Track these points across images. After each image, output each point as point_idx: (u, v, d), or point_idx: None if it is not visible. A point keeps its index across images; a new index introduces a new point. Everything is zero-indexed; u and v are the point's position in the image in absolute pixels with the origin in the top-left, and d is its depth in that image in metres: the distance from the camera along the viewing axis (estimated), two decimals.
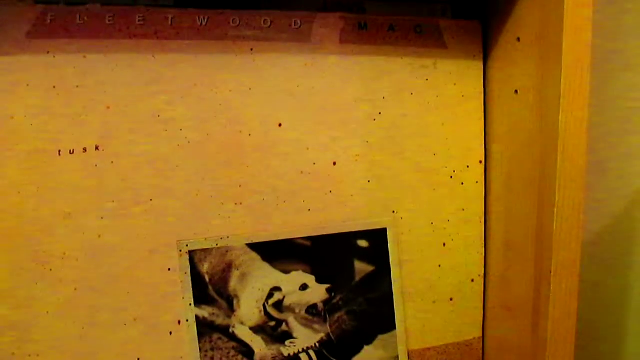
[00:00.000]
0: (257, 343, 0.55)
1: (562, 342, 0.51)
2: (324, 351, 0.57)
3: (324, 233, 0.56)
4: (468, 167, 0.60)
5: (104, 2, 0.50)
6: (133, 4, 0.52)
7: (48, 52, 0.49)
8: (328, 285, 0.57)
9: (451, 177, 0.60)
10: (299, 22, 0.55)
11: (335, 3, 0.58)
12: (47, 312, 0.51)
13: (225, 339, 0.55)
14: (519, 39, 0.54)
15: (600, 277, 0.70)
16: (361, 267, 0.58)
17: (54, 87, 0.50)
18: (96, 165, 0.51)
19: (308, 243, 0.56)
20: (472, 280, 0.61)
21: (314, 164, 0.56)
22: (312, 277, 0.57)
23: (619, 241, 0.70)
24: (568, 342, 0.51)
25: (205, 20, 0.53)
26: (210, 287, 0.54)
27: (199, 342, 0.54)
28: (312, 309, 0.57)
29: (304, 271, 0.56)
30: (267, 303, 0.56)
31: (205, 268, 0.54)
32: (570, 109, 0.49)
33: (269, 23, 0.54)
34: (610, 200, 0.70)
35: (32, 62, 0.49)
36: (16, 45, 0.49)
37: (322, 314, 0.57)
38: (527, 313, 0.55)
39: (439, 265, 0.60)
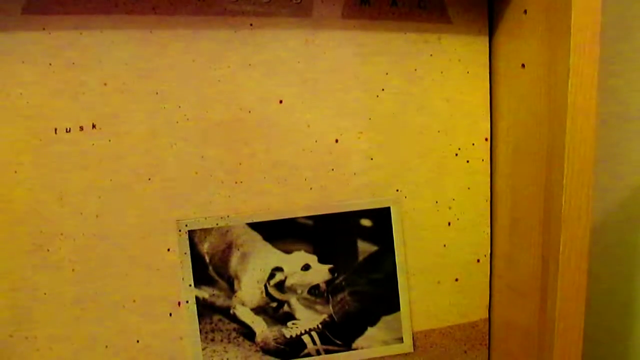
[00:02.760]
0: (258, 324, 0.55)
1: (571, 323, 0.50)
2: (327, 333, 0.56)
3: (326, 212, 0.55)
4: (473, 144, 0.59)
5: None
6: None
7: (44, 29, 0.49)
8: (330, 266, 0.56)
9: (456, 154, 0.59)
10: None
11: None
12: (45, 294, 0.50)
13: (226, 320, 0.54)
14: (525, 12, 0.53)
15: (607, 259, 0.69)
16: (364, 247, 0.57)
17: (50, 64, 0.49)
18: (93, 144, 0.50)
19: (310, 222, 0.55)
20: (478, 260, 0.60)
21: (316, 141, 0.55)
22: (315, 257, 0.56)
23: (625, 227, 0.69)
24: (576, 323, 0.50)
25: None
26: (210, 267, 0.53)
27: (199, 323, 0.53)
28: (314, 290, 0.56)
29: (306, 251, 0.55)
30: (269, 284, 0.55)
31: (205, 248, 0.53)
32: (579, 82, 0.48)
33: None
34: (615, 180, 0.69)
35: (28, 38, 0.48)
36: (11, 22, 0.48)
37: (325, 294, 0.56)
38: (534, 293, 0.53)
39: (444, 245, 0.59)
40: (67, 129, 0.50)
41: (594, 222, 0.58)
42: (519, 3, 0.54)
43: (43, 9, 0.48)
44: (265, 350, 0.55)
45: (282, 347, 0.55)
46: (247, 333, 0.55)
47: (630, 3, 0.64)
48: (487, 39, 0.58)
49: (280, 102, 0.54)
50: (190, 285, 0.53)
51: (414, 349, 0.59)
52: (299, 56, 0.54)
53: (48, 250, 0.50)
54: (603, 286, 0.68)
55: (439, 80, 0.57)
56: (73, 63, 0.49)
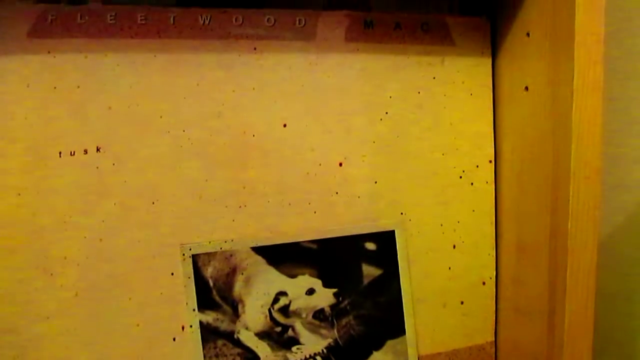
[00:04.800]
0: (262, 349, 0.54)
1: (579, 346, 0.50)
2: (332, 357, 0.56)
3: (331, 236, 0.55)
4: (478, 166, 0.59)
5: (105, 1, 0.50)
6: (135, 3, 0.52)
7: (49, 52, 0.49)
8: (335, 290, 0.55)
9: (460, 177, 0.59)
10: (303, 20, 0.54)
11: (339, 1, 0.57)
12: (48, 318, 0.50)
13: (230, 345, 0.53)
14: (528, 34, 0.53)
15: (614, 279, 0.68)
16: (369, 271, 0.56)
17: (55, 87, 0.49)
18: (97, 167, 0.50)
19: (314, 246, 0.55)
20: (484, 283, 0.60)
21: (320, 164, 0.55)
22: (319, 281, 0.55)
23: (632, 243, 0.68)
24: (585, 346, 0.50)
25: (208, 19, 0.52)
26: (214, 291, 0.53)
27: (203, 348, 0.53)
28: (319, 314, 0.55)
29: (311, 275, 0.55)
30: (273, 308, 0.54)
31: (209, 272, 0.53)
32: (583, 104, 0.48)
33: (273, 21, 0.53)
34: (621, 201, 0.69)
35: (33, 62, 0.48)
36: (17, 45, 0.48)
37: (330, 319, 0.55)
38: (541, 316, 0.53)
39: (449, 268, 0.59)
40: (71, 152, 0.50)
41: (600, 242, 0.58)
42: (521, 25, 0.54)
43: (48, 33, 0.49)
44: None
45: None
46: (252, 358, 0.54)
47: (633, 25, 0.64)
48: (490, 61, 0.58)
49: (285, 125, 0.54)
50: (194, 310, 0.52)
51: None
52: (302, 79, 0.54)
53: (51, 274, 0.50)
54: (611, 307, 0.68)
55: (443, 103, 0.58)
56: (78, 86, 0.49)
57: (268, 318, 0.54)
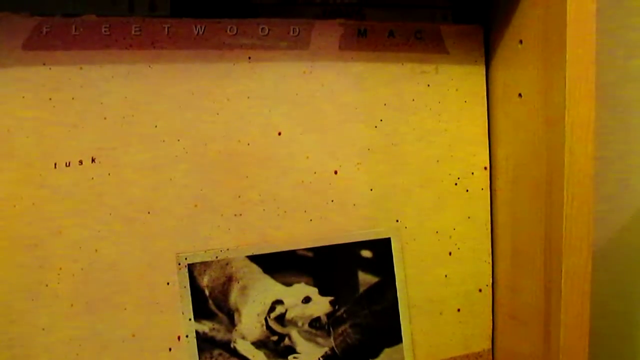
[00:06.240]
0: (259, 358, 0.54)
1: (575, 352, 0.50)
2: None
3: (326, 244, 0.55)
4: (472, 173, 0.59)
5: (100, 13, 0.50)
6: (129, 14, 0.52)
7: (44, 64, 0.49)
8: (331, 298, 0.55)
9: (455, 184, 0.59)
10: (297, 29, 0.54)
11: (334, 10, 0.57)
12: (43, 329, 0.50)
13: (227, 355, 0.53)
14: (521, 42, 0.53)
15: (609, 285, 0.68)
16: (365, 278, 0.56)
17: (50, 98, 0.49)
18: (92, 178, 0.50)
19: (310, 254, 0.55)
20: (480, 290, 0.60)
21: (315, 172, 0.55)
22: (315, 290, 0.55)
23: (627, 250, 0.68)
24: (581, 352, 0.50)
25: (202, 30, 0.52)
26: (210, 301, 0.53)
27: (199, 358, 0.52)
28: (315, 323, 0.55)
29: (307, 283, 0.55)
30: (269, 317, 0.54)
31: (205, 282, 0.53)
32: (576, 111, 0.48)
33: (267, 31, 0.53)
34: (615, 208, 0.69)
35: (28, 73, 0.49)
36: (12, 57, 0.48)
37: (326, 327, 0.55)
38: (537, 323, 0.53)
39: (445, 275, 0.59)
40: (66, 163, 0.50)
41: (595, 249, 0.58)
42: (514, 33, 0.54)
43: (44, 45, 0.49)
44: None
45: None
46: None
47: (625, 32, 0.65)
48: (483, 68, 0.59)
49: (279, 133, 0.54)
50: (190, 319, 0.52)
51: None
52: (297, 88, 0.54)
53: (47, 285, 0.50)
54: (606, 314, 0.68)
55: (437, 110, 0.58)
56: (73, 98, 0.49)
57: (264, 327, 0.54)
